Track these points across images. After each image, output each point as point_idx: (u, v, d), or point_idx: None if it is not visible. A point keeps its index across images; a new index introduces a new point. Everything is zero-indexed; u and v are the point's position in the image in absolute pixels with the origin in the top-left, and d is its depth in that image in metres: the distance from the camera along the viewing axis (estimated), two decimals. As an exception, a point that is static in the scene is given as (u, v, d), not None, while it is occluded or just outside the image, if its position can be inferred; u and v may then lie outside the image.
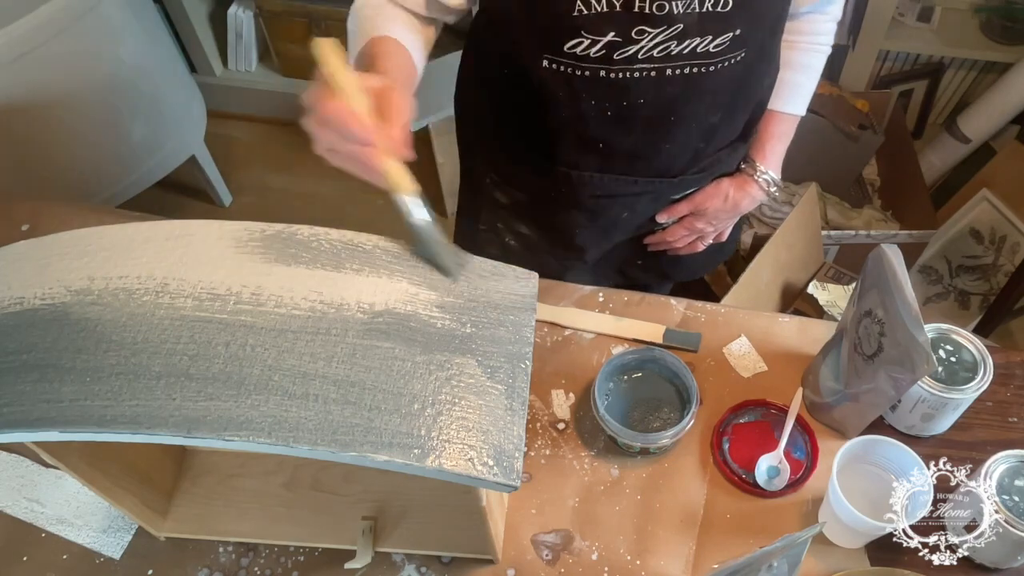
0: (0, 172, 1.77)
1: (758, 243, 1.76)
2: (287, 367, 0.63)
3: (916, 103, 2.26)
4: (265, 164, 2.52)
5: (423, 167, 2.27)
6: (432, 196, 2.35)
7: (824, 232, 1.87)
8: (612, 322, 1.06)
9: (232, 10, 2.40)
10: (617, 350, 1.03)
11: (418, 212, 0.69)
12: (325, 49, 0.65)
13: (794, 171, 1.98)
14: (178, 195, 2.41)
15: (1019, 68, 1.94)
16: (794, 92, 1.08)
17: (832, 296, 1.69)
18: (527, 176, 1.09)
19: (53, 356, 0.63)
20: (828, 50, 1.06)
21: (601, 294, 1.10)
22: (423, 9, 0.92)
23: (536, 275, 0.76)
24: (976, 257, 2.02)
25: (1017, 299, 1.88)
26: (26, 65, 1.62)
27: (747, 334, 1.05)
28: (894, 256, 0.85)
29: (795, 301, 1.73)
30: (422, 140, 2.11)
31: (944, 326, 0.93)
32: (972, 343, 0.91)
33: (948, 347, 0.92)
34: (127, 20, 1.81)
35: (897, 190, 2.06)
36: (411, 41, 0.89)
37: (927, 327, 0.88)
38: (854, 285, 0.94)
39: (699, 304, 1.09)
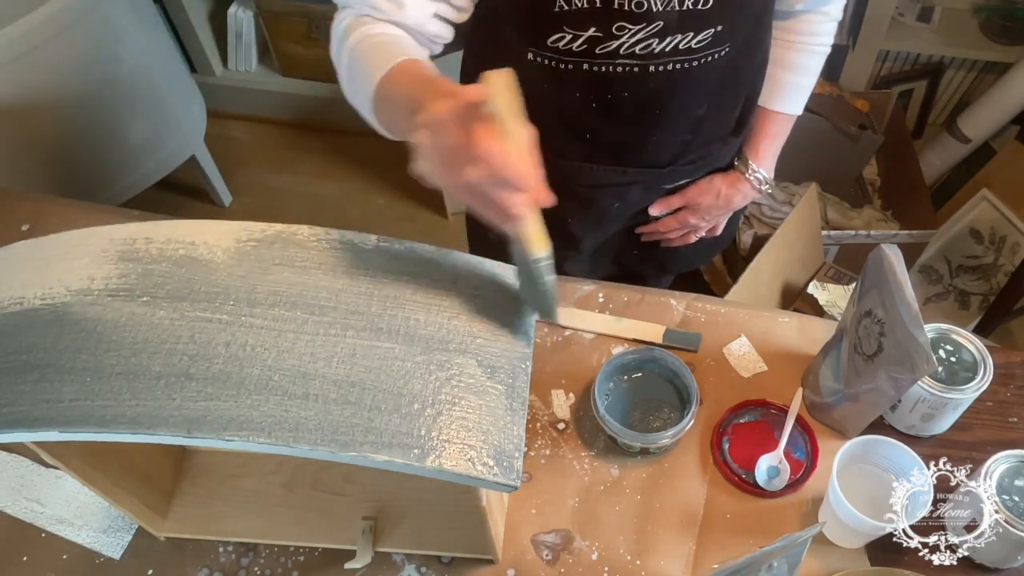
0: (0, 172, 1.77)
1: (758, 243, 1.76)
2: (287, 367, 0.63)
3: (916, 103, 2.26)
4: (265, 164, 2.52)
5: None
6: (432, 195, 2.35)
7: (824, 232, 1.87)
8: (612, 322, 1.06)
9: (232, 10, 2.40)
10: (617, 350, 1.03)
11: (548, 275, 0.66)
12: (500, 84, 0.60)
13: (794, 171, 1.97)
14: (178, 195, 2.41)
15: (1019, 68, 1.94)
16: (789, 92, 1.08)
17: (832, 296, 1.69)
18: None
19: (53, 356, 0.63)
20: (826, 51, 1.06)
21: (601, 294, 1.10)
22: (426, 24, 0.85)
23: (536, 275, 0.76)
24: (976, 257, 2.02)
25: (1017, 299, 1.88)
26: (26, 65, 1.62)
27: (747, 334, 1.05)
28: (894, 256, 0.85)
29: (795, 301, 1.73)
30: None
31: (944, 326, 0.93)
32: (972, 343, 0.91)
33: (948, 347, 0.92)
34: (127, 20, 1.81)
35: (897, 190, 2.06)
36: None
37: (927, 327, 0.88)
38: (854, 285, 0.94)
39: (699, 304, 1.09)
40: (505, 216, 0.61)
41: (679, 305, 1.09)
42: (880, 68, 2.20)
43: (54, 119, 1.76)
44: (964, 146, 2.10)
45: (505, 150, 0.58)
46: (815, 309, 1.67)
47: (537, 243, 0.64)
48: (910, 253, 1.95)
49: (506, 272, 0.75)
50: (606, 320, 1.07)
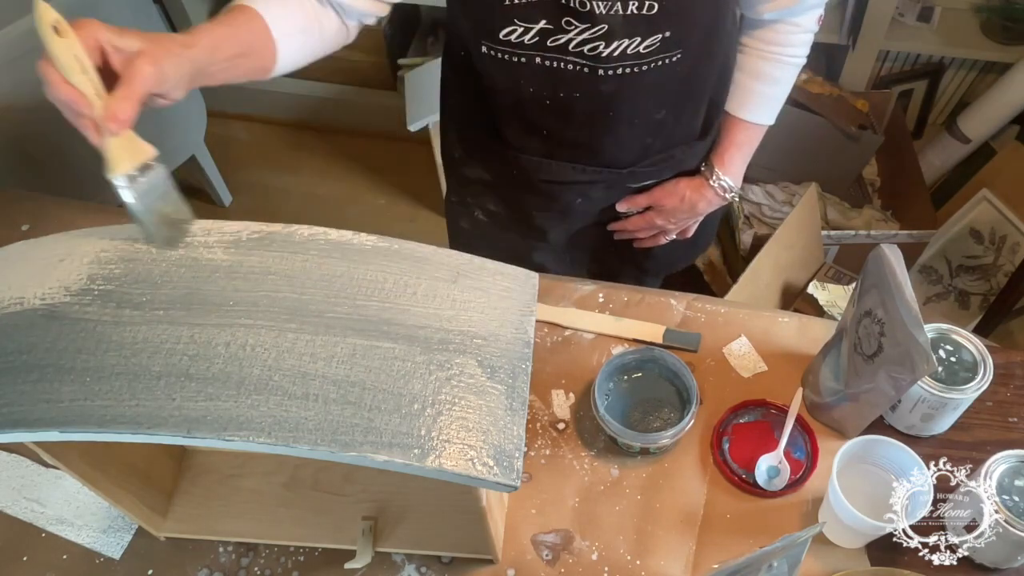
0: (0, 172, 1.76)
1: (758, 243, 1.76)
2: (287, 367, 0.63)
3: (916, 103, 2.25)
4: (265, 164, 2.52)
5: (423, 167, 2.27)
6: (432, 195, 2.35)
7: (824, 232, 1.87)
8: (612, 322, 1.06)
9: (232, 10, 2.40)
10: (617, 350, 1.03)
11: (124, 195, 0.67)
12: (38, 12, 0.62)
13: (794, 171, 1.97)
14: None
15: (1019, 68, 1.94)
16: (757, 102, 1.06)
17: (832, 296, 1.69)
18: (485, 156, 1.11)
19: (53, 356, 0.63)
20: (799, 62, 1.03)
21: (601, 294, 1.10)
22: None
23: (536, 275, 0.76)
24: (976, 257, 2.02)
25: (1017, 299, 1.88)
26: (26, 65, 1.62)
27: (747, 334, 1.05)
28: (894, 256, 0.85)
29: (795, 301, 1.73)
30: (422, 140, 2.11)
31: (944, 326, 0.93)
32: (972, 343, 0.91)
33: (948, 347, 0.92)
34: (127, 20, 1.81)
35: (897, 190, 2.06)
36: (280, 14, 0.87)
37: (927, 327, 0.88)
38: (854, 285, 0.94)
39: (699, 304, 1.09)
40: (88, 137, 0.65)
41: (679, 305, 1.09)
42: (880, 68, 2.20)
43: (54, 119, 1.74)
44: (964, 146, 2.10)
45: (52, 76, 0.63)
46: (815, 309, 1.66)
47: (113, 163, 0.65)
48: (910, 253, 1.95)
49: (506, 271, 0.75)
50: (606, 320, 1.07)
